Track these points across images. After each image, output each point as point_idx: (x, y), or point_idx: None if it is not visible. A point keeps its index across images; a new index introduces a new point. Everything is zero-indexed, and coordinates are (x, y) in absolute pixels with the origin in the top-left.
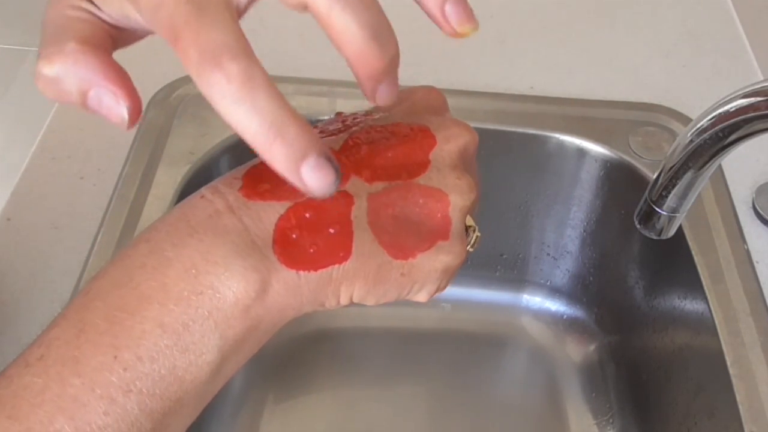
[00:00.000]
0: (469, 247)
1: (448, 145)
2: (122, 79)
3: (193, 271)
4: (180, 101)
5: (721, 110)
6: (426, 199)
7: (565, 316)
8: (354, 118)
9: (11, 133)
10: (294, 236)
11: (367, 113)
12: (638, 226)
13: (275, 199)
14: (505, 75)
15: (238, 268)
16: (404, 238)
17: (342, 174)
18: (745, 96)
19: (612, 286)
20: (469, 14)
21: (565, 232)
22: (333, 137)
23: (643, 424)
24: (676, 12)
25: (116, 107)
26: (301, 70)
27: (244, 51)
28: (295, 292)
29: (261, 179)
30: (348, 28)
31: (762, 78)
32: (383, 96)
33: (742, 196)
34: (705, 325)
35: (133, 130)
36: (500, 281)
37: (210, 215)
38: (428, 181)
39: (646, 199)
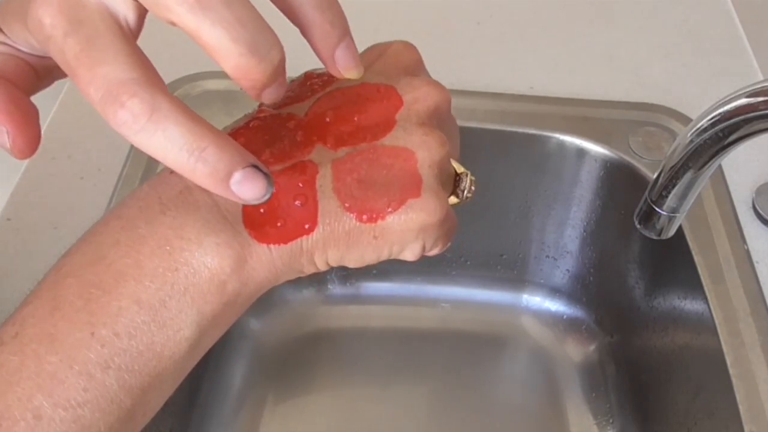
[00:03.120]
0: (466, 193)
1: (416, 105)
2: (12, 112)
3: (168, 248)
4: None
5: (721, 110)
6: (393, 160)
7: (565, 316)
8: (322, 80)
9: None
10: (261, 210)
11: None
12: (638, 226)
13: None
14: (505, 75)
15: (212, 245)
16: (372, 200)
17: (306, 141)
18: (745, 96)
19: (612, 286)
20: (356, 61)
21: (565, 232)
22: (299, 104)
23: (643, 424)
24: (676, 12)
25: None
26: (301, 70)
27: (144, 83)
28: (269, 265)
29: (225, 149)
30: (221, 44)
31: (762, 78)
32: (269, 97)
33: (742, 196)
34: (705, 325)
35: None
36: (500, 281)
37: (180, 191)
38: (394, 141)
39: (646, 199)
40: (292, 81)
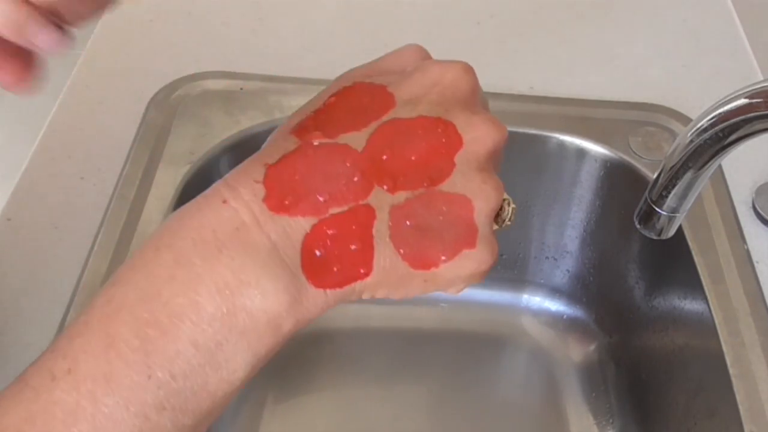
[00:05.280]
0: (507, 221)
1: (475, 147)
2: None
3: (227, 291)
4: (180, 101)
5: (721, 110)
6: (449, 207)
7: (564, 316)
8: (375, 100)
9: (11, 133)
10: (318, 254)
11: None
12: (638, 226)
13: (300, 213)
14: (505, 75)
15: (271, 289)
16: (426, 248)
17: (364, 183)
18: (745, 96)
19: (612, 286)
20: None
21: (565, 232)
22: (354, 133)
23: (643, 424)
24: (676, 12)
25: None
26: (301, 70)
27: None
28: (323, 305)
29: (283, 188)
30: None
31: (762, 78)
32: (38, 39)
33: (742, 196)
34: (705, 325)
35: (134, 130)
36: (500, 281)
37: (237, 228)
38: (452, 187)
39: (646, 199)
40: (344, 88)
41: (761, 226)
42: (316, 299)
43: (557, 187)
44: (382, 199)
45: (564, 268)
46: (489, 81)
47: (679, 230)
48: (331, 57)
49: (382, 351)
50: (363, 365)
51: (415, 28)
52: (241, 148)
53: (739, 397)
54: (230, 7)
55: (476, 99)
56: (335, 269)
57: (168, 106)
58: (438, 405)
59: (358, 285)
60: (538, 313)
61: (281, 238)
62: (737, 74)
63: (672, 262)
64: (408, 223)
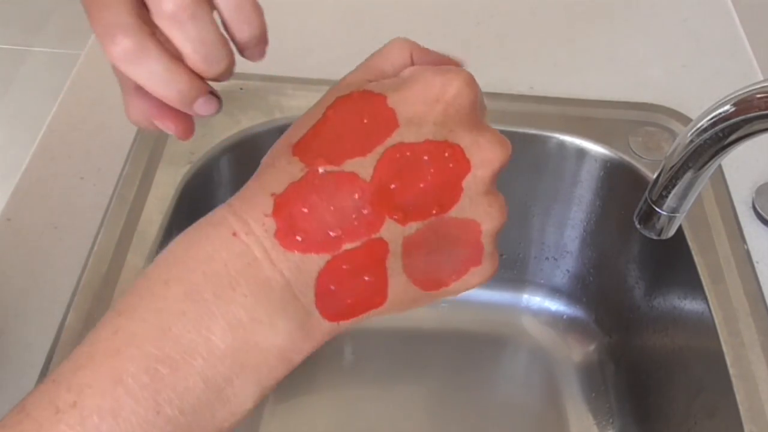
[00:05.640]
0: None
1: (483, 171)
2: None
3: (240, 329)
4: None
5: (721, 110)
6: (458, 231)
7: (565, 316)
8: (376, 119)
9: (11, 133)
10: (332, 288)
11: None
12: (638, 226)
13: (314, 250)
14: (505, 75)
15: (284, 327)
16: (437, 272)
17: (375, 216)
18: (745, 96)
19: (612, 286)
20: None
21: (565, 232)
22: (359, 159)
23: (643, 424)
24: (676, 12)
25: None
26: (301, 70)
27: (137, 27)
28: (332, 334)
29: (294, 223)
30: (186, 52)
31: (762, 78)
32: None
33: (742, 196)
34: (705, 325)
35: (134, 130)
36: (500, 281)
37: (249, 263)
38: (461, 213)
39: (646, 199)
40: (342, 99)
41: (761, 226)
42: (330, 330)
43: (557, 187)
44: (393, 232)
45: (564, 268)
46: (489, 81)
47: (679, 230)
48: (331, 57)
49: (382, 351)
50: (363, 365)
51: (415, 28)
52: (241, 148)
53: (739, 397)
54: None
55: (478, 113)
56: (349, 302)
57: None
58: (438, 405)
59: (371, 313)
60: (538, 313)
61: (294, 275)
62: (737, 74)
63: (672, 262)
64: (420, 252)
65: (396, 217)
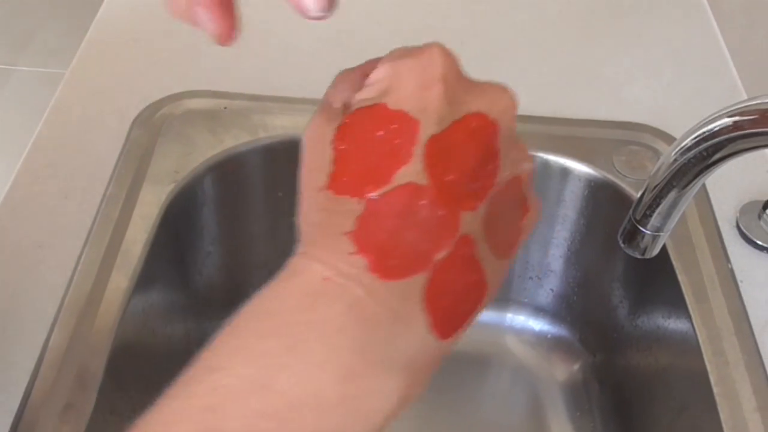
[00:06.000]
0: None
1: (507, 122)
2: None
3: (353, 376)
4: (164, 121)
5: (705, 129)
6: (509, 190)
7: (549, 336)
8: (389, 126)
9: None
10: (441, 303)
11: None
12: (622, 246)
13: (411, 272)
14: None
15: (400, 362)
16: (508, 238)
17: (451, 214)
18: (729, 115)
19: (596, 305)
20: None
21: (549, 251)
22: (405, 167)
23: None
24: (661, 31)
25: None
26: (284, 89)
27: None
28: (446, 354)
29: (382, 253)
30: None
31: (746, 97)
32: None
33: (726, 215)
34: (689, 345)
35: (118, 149)
36: None
37: (351, 305)
38: (505, 172)
39: (630, 218)
40: (341, 125)
41: (745, 245)
42: (443, 352)
43: (541, 205)
44: (470, 222)
45: (548, 287)
46: None
47: (663, 249)
48: (315, 76)
49: None
50: None
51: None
52: (225, 167)
53: (723, 416)
54: None
55: (462, 72)
56: (460, 309)
57: (152, 126)
58: (422, 424)
59: (478, 310)
60: (522, 333)
61: (401, 303)
62: (721, 93)
63: (656, 281)
64: (494, 228)
65: (467, 206)
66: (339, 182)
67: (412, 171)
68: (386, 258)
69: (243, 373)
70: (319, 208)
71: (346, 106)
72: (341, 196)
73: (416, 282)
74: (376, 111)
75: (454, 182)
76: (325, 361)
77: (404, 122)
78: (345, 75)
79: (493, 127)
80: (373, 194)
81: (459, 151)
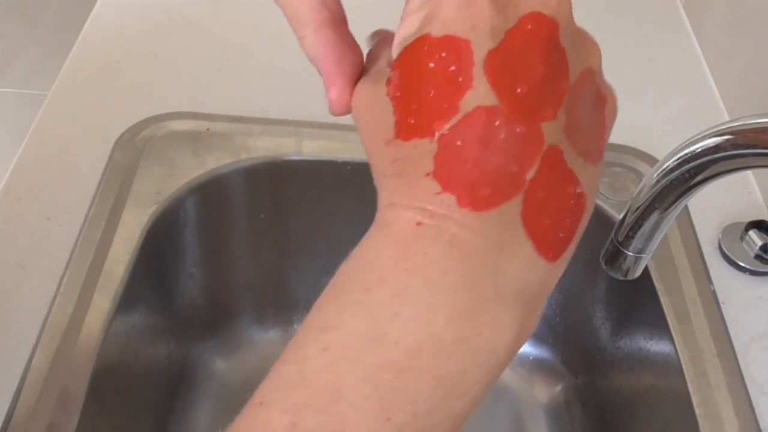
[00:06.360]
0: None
1: (564, 14)
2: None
3: (466, 315)
4: (146, 142)
5: (687, 151)
6: (583, 87)
7: (531, 357)
8: (442, 57)
9: None
10: (544, 222)
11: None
12: (604, 267)
13: (505, 197)
14: None
15: (513, 294)
16: (594, 139)
17: (532, 128)
18: (711, 136)
19: (578, 326)
20: None
21: None
22: (470, 91)
23: None
24: (643, 52)
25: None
26: (266, 110)
27: None
28: (559, 277)
29: (473, 183)
30: None
31: (728, 118)
32: None
33: (708, 236)
34: (671, 366)
35: (100, 171)
36: None
37: (450, 245)
38: (575, 69)
39: (612, 240)
40: (395, 61)
41: (727, 266)
42: (558, 271)
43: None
44: (553, 132)
45: None
46: None
47: (646, 271)
48: (297, 98)
49: None
50: None
51: None
52: (207, 189)
53: None
54: (196, 48)
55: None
56: (565, 222)
57: (134, 147)
58: None
59: (583, 220)
60: None
61: (500, 231)
62: (703, 114)
63: (638, 302)
64: (577, 131)
65: (546, 116)
66: (405, 127)
67: (477, 94)
68: (474, 190)
69: (354, 328)
70: (392, 160)
71: (389, 63)
72: (411, 140)
73: (512, 207)
74: (421, 45)
75: (526, 94)
76: (434, 304)
77: (454, 46)
78: (380, 35)
79: (552, 24)
80: (444, 129)
81: (522, 61)
